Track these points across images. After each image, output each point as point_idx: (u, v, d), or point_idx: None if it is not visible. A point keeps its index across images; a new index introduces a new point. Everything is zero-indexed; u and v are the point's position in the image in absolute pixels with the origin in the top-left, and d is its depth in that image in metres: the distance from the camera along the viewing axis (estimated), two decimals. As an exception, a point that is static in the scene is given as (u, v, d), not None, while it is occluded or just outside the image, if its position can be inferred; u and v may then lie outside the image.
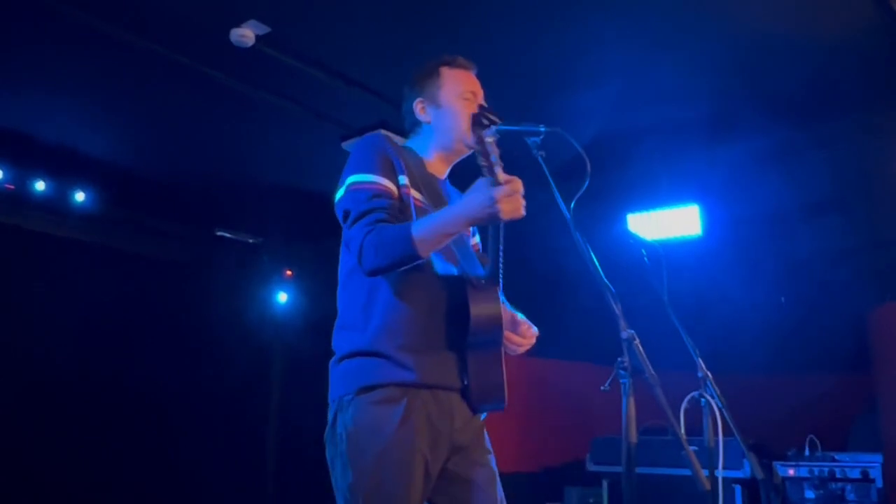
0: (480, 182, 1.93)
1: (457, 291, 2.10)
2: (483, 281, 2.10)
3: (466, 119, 2.22)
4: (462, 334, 2.07)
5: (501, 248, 2.12)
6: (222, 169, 5.77)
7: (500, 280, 2.14)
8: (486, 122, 1.96)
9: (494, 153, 1.89)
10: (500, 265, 2.12)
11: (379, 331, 2.07)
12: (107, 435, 5.66)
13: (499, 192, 1.89)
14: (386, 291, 2.09)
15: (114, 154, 5.51)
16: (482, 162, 1.91)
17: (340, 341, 2.16)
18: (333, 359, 2.16)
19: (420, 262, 2.01)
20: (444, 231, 1.99)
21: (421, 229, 1.97)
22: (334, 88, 4.36)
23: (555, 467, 5.92)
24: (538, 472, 5.92)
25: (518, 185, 1.91)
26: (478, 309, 2.06)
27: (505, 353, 2.18)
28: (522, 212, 1.93)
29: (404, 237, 1.96)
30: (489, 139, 1.89)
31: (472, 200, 1.95)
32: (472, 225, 2.06)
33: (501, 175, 1.90)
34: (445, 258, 2.16)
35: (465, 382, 2.10)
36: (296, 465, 6.53)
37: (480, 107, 2.08)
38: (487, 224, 2.08)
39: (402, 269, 2.03)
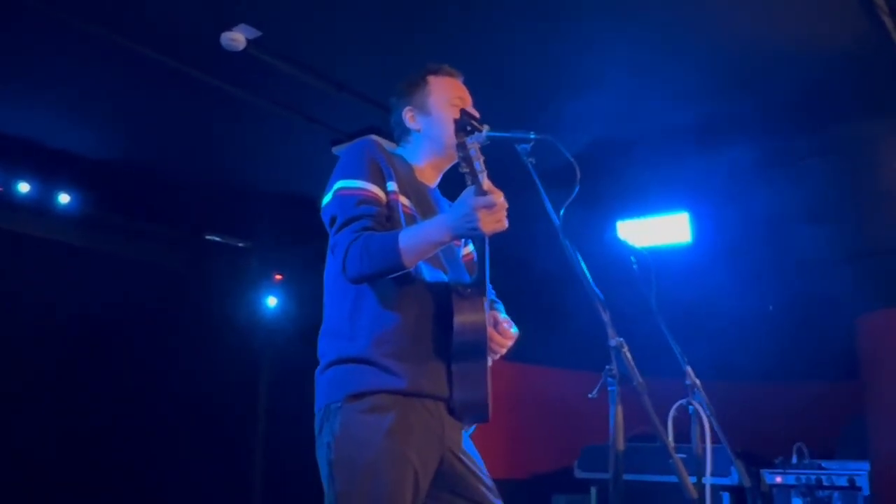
0: (467, 192, 1.90)
1: (443, 300, 2.07)
2: (469, 290, 2.07)
3: None
4: (448, 343, 2.04)
5: (487, 257, 2.09)
6: (212, 173, 5.75)
7: (487, 289, 2.11)
8: (469, 128, 1.92)
9: (478, 160, 1.86)
10: (487, 274, 2.09)
11: (366, 338, 2.04)
12: (92, 440, 5.61)
13: (479, 203, 1.85)
14: (373, 298, 2.07)
15: (102, 157, 5.48)
16: (464, 169, 1.87)
17: (327, 348, 2.13)
18: (319, 366, 2.13)
19: (405, 271, 1.99)
20: (430, 242, 1.97)
21: (407, 240, 1.94)
22: (325, 93, 4.35)
23: (543, 474, 5.91)
24: (526, 480, 5.91)
25: (500, 198, 1.88)
26: (462, 317, 2.03)
27: (490, 357, 2.15)
28: (505, 224, 1.90)
29: (391, 247, 1.94)
30: (472, 145, 1.85)
31: (455, 212, 1.93)
32: (456, 238, 2.01)
33: (486, 183, 1.87)
34: (433, 266, 2.14)
35: (450, 394, 2.06)
36: (284, 469, 6.50)
37: (463, 111, 2.02)
38: (470, 237, 2.06)
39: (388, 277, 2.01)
